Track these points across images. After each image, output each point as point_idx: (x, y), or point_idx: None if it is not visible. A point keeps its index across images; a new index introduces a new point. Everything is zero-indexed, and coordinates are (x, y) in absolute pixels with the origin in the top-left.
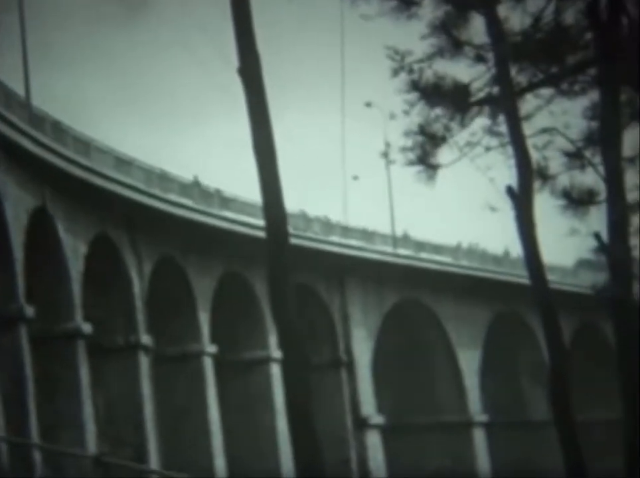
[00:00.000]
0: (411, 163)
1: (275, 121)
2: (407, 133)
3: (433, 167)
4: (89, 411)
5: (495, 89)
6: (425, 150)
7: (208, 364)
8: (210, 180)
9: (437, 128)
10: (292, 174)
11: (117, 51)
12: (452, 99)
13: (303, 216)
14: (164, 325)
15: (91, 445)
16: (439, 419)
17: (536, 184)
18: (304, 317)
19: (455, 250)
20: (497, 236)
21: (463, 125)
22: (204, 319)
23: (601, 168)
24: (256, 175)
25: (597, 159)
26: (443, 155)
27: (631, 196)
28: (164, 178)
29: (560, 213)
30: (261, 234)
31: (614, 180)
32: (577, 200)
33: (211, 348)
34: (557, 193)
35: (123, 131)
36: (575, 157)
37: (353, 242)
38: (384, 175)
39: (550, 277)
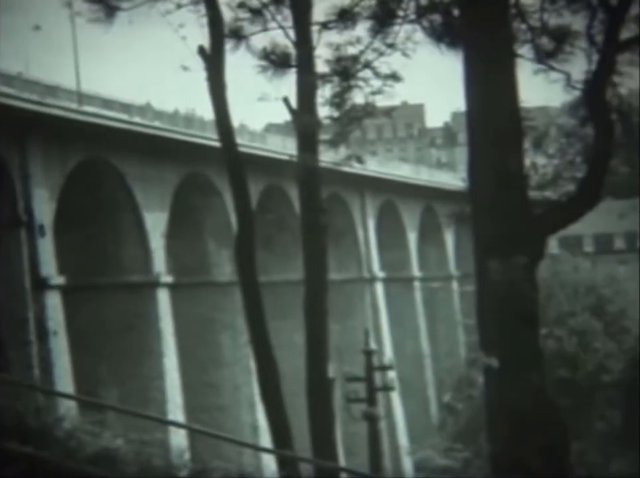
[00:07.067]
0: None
1: None
2: None
3: (111, 8)
4: None
5: None
6: None
7: None
8: None
9: None
10: None
11: None
12: None
13: None
14: None
15: None
16: (123, 279)
17: (230, 43)
18: None
19: (144, 109)
20: (187, 96)
21: None
22: None
23: (292, 34)
24: None
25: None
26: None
27: (321, 67)
28: None
29: (259, 73)
30: None
31: (304, 45)
32: (276, 62)
33: None
34: (257, 54)
35: None
36: (259, 14)
37: (34, 97)
38: (70, 27)
39: (239, 140)
